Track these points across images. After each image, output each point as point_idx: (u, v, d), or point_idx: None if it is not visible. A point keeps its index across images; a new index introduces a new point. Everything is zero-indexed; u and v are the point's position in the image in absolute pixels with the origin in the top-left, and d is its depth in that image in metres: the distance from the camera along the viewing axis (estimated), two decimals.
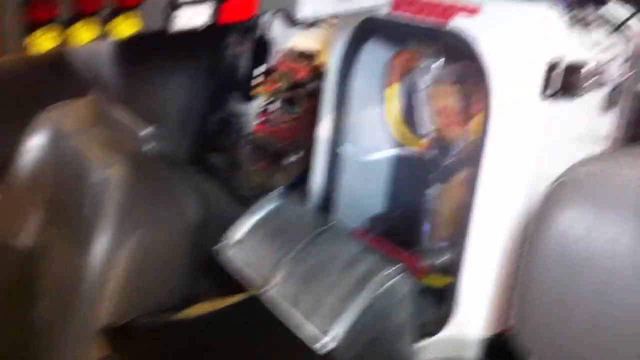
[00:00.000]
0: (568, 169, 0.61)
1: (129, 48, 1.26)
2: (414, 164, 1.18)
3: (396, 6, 1.02)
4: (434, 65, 1.09)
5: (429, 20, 0.96)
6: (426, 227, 1.11)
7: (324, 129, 1.18)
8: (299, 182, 1.50)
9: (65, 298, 1.15)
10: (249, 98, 1.77)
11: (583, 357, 0.59)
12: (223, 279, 1.14)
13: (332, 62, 1.16)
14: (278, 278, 1.01)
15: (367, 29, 1.08)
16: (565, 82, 0.85)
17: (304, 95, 1.53)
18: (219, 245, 1.13)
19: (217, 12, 0.68)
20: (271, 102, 1.61)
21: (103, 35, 0.67)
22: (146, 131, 1.23)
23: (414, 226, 1.14)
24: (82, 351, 1.09)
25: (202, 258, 1.18)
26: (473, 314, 0.92)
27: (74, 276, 1.15)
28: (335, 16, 0.79)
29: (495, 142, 0.88)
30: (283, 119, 1.61)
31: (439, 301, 1.00)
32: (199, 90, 1.33)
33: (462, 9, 0.91)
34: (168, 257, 1.15)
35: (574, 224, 0.56)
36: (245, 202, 1.71)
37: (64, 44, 0.67)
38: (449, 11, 0.93)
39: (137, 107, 1.21)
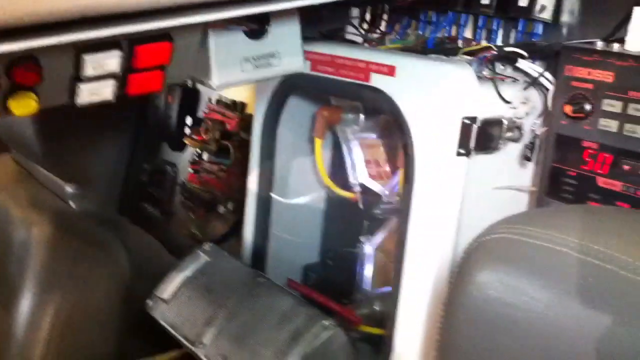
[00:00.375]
0: (486, 229, 0.63)
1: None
2: (345, 213, 1.20)
3: (314, 66, 1.04)
4: (358, 119, 1.12)
5: (349, 77, 0.98)
6: (359, 276, 1.13)
7: (253, 180, 1.19)
8: (234, 231, 1.51)
9: None
10: (180, 148, 1.77)
11: None
12: (155, 337, 1.13)
13: (257, 114, 1.18)
14: (210, 335, 1.01)
15: (289, 85, 1.10)
16: (481, 137, 0.88)
17: (235, 146, 1.53)
18: (149, 302, 1.12)
19: (124, 85, 0.67)
20: (203, 152, 1.61)
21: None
22: (71, 188, 1.21)
23: (348, 276, 1.16)
24: None
25: (133, 315, 1.16)
26: None
27: (3, 336, 1.12)
28: (250, 82, 0.81)
29: (418, 195, 0.91)
30: (215, 169, 1.61)
31: (376, 350, 1.02)
32: (127, 142, 1.32)
33: (379, 70, 0.94)
34: (95, 316, 1.13)
35: (491, 285, 0.58)
36: (180, 253, 1.71)
37: None
38: (367, 70, 0.96)
39: (62, 163, 1.19)
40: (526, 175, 0.96)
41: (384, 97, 0.93)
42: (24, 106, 0.60)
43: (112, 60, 0.61)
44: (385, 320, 1.06)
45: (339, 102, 1.13)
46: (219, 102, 1.63)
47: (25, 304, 1.09)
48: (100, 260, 1.16)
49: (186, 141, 1.67)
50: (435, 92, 0.87)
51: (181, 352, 1.10)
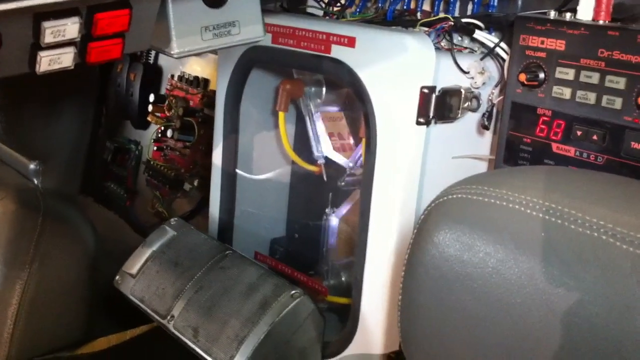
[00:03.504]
0: (443, 191, 0.65)
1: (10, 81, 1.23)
2: (310, 187, 1.22)
3: (275, 39, 1.05)
4: (320, 92, 1.13)
5: (310, 49, 1.00)
6: (325, 248, 1.14)
7: (217, 155, 1.20)
8: (200, 208, 1.52)
9: None
10: (143, 126, 1.77)
11: None
12: (123, 313, 1.14)
13: (219, 89, 1.18)
14: (179, 308, 1.02)
15: (251, 58, 1.11)
16: (440, 106, 0.90)
17: (199, 122, 1.54)
18: (117, 277, 1.12)
19: (84, 53, 0.68)
20: (166, 129, 1.61)
21: None
22: (32, 166, 1.20)
23: (314, 248, 1.18)
24: None
25: (100, 292, 1.17)
26: (373, 333, 0.95)
27: None
28: (213, 51, 0.82)
29: (379, 165, 0.93)
30: (178, 146, 1.61)
31: (342, 320, 1.04)
32: (89, 118, 1.31)
33: (339, 41, 0.95)
34: (63, 293, 1.13)
35: (448, 244, 0.61)
36: (144, 231, 1.71)
37: None
38: (328, 42, 0.97)
39: (23, 140, 1.18)
40: (484, 144, 0.99)
41: (344, 68, 0.95)
42: None
43: (71, 27, 0.61)
44: (351, 289, 1.09)
45: (300, 76, 1.15)
46: (181, 78, 1.63)
47: None
48: (66, 235, 1.16)
49: (149, 118, 1.67)
50: (394, 63, 0.89)
51: (152, 326, 1.11)
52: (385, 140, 0.92)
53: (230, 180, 1.19)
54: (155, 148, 1.68)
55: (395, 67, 0.89)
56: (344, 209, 1.13)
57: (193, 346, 0.97)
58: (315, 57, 0.99)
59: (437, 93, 0.89)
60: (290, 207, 1.27)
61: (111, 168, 1.81)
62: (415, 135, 0.90)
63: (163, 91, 1.70)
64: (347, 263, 1.14)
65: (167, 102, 1.61)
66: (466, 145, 0.97)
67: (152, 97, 1.64)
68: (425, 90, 0.88)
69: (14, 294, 1.08)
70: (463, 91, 0.92)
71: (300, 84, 1.13)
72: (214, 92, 1.55)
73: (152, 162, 1.67)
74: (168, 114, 1.60)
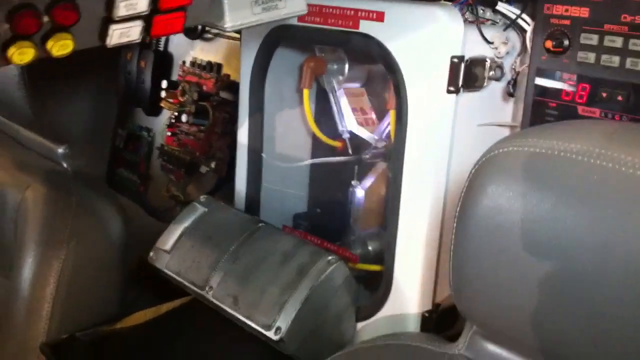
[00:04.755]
0: (492, 146, 0.69)
1: (30, 69, 1.26)
2: (333, 161, 1.26)
3: (301, 17, 1.09)
4: (343, 69, 1.17)
5: (338, 26, 1.03)
6: (350, 220, 1.18)
7: (243, 133, 1.23)
8: (218, 189, 1.55)
9: None
10: (155, 112, 1.80)
11: (513, 317, 0.68)
12: (159, 288, 1.17)
13: (244, 68, 1.21)
14: (217, 279, 1.05)
15: (277, 37, 1.15)
16: (468, 76, 0.95)
17: (214, 106, 1.57)
18: (151, 254, 1.16)
19: (149, 27, 0.72)
20: (179, 115, 1.64)
21: (39, 56, 0.70)
22: (61, 150, 1.23)
23: (337, 220, 1.22)
24: None
25: (134, 269, 1.20)
26: (407, 294, 0.99)
27: (4, 300, 1.14)
28: (259, 24, 0.85)
29: (410, 134, 0.97)
30: (193, 130, 1.64)
31: (372, 286, 1.08)
32: (112, 100, 1.34)
33: (368, 16, 0.99)
34: (98, 269, 1.16)
35: (501, 194, 0.65)
36: (157, 215, 1.74)
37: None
38: (356, 18, 1.01)
39: (52, 124, 1.21)
40: (507, 112, 1.03)
41: (373, 43, 0.98)
42: (62, 47, 0.63)
43: (142, 1, 0.64)
44: (381, 257, 1.13)
45: (323, 54, 1.18)
46: (193, 64, 1.66)
47: (28, 264, 1.12)
48: (99, 215, 1.19)
49: (162, 104, 1.69)
50: (424, 34, 0.93)
51: (188, 299, 1.14)
52: (416, 109, 0.96)
53: (256, 157, 1.22)
54: (169, 134, 1.71)
55: (426, 38, 0.93)
56: (369, 181, 1.17)
57: (234, 313, 1.01)
58: (343, 33, 1.03)
59: (465, 62, 0.93)
60: (312, 183, 1.31)
61: (123, 155, 1.83)
62: (446, 103, 0.94)
63: (174, 77, 1.73)
64: (373, 233, 1.18)
65: (180, 88, 1.64)
66: (491, 113, 1.02)
67: (164, 84, 1.67)
68: (455, 60, 0.92)
69: (52, 272, 1.11)
70: (488, 61, 0.96)
71: (323, 61, 1.16)
72: (227, 76, 1.59)
73: (166, 148, 1.70)
74: (182, 100, 1.63)
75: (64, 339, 1.05)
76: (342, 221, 1.22)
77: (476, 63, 0.95)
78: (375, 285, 1.07)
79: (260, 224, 1.11)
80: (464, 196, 0.68)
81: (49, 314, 1.10)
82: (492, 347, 0.75)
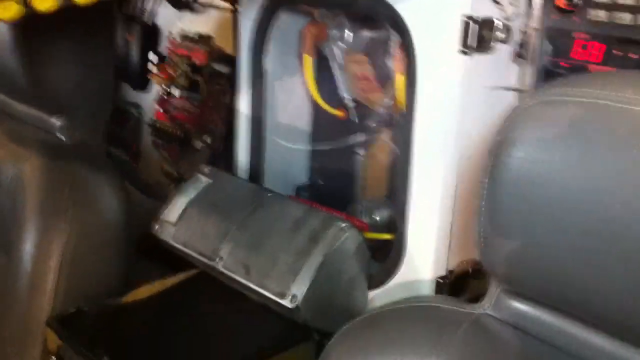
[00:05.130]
0: (521, 98, 0.69)
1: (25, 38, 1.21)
2: (333, 131, 1.25)
3: None
4: (344, 35, 1.16)
5: None
6: (355, 189, 1.18)
7: (244, 101, 1.21)
8: (211, 163, 1.53)
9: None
10: (143, 87, 1.76)
11: (546, 271, 0.68)
12: (165, 260, 1.16)
13: (243, 33, 1.19)
14: (226, 248, 1.04)
15: (278, 1, 1.13)
16: (478, 36, 0.94)
17: (206, 79, 1.55)
18: (156, 225, 1.14)
19: None
20: (170, 89, 1.61)
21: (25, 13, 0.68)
22: (59, 120, 1.20)
23: (343, 190, 1.21)
24: (27, 347, 1.07)
25: (139, 241, 1.18)
26: (420, 260, 0.99)
27: (5, 278, 1.12)
28: None
29: (421, 96, 0.96)
30: (185, 104, 1.62)
31: (377, 255, 1.08)
32: (109, 66, 1.31)
33: None
34: (100, 242, 1.15)
35: (535, 149, 0.64)
36: (150, 193, 1.71)
37: None
38: None
39: (48, 95, 1.17)
40: (514, 76, 1.03)
41: (381, 4, 0.97)
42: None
43: None
44: (388, 225, 1.13)
45: (325, 19, 1.17)
46: (183, 37, 1.63)
47: (29, 238, 1.10)
48: (98, 185, 1.17)
49: (152, 78, 1.66)
50: None
51: (194, 272, 1.13)
52: (426, 71, 0.95)
53: (258, 125, 1.21)
54: (160, 109, 1.68)
55: None
56: (373, 148, 1.16)
57: (246, 282, 1.00)
58: None
59: (476, 22, 0.93)
60: (313, 154, 1.30)
61: (112, 130, 1.80)
62: (457, 65, 0.94)
63: (163, 51, 1.70)
64: (379, 202, 1.17)
65: (169, 61, 1.61)
66: (498, 77, 1.01)
67: (155, 58, 1.64)
68: (466, 19, 0.92)
69: (55, 244, 1.09)
70: (496, 22, 0.96)
71: (324, 27, 1.15)
72: (219, 47, 1.56)
73: (157, 124, 1.67)
74: (172, 73, 1.60)
75: (71, 312, 1.03)
76: (346, 191, 1.21)
77: (486, 23, 0.95)
78: (381, 254, 1.07)
79: (268, 193, 1.10)
80: (495, 149, 0.68)
81: (53, 287, 1.08)
82: (519, 305, 0.75)
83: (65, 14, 1.14)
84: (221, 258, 1.04)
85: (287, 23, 1.19)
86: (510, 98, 1.03)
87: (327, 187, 1.27)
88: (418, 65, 0.95)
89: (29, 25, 1.09)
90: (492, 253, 0.72)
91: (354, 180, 1.20)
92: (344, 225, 0.99)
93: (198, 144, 1.58)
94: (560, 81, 0.69)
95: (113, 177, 1.20)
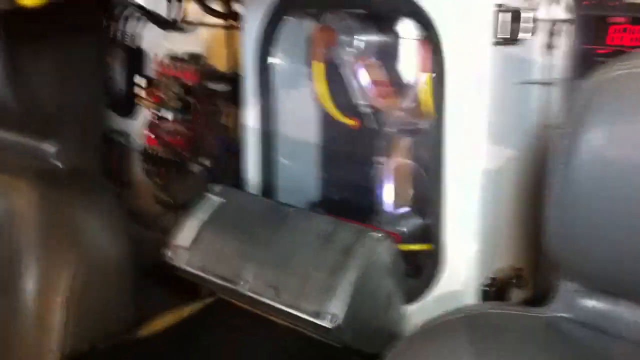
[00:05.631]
0: (595, 73, 0.63)
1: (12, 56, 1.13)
2: (346, 142, 1.19)
3: None
4: (354, 40, 1.11)
5: None
6: (378, 197, 1.11)
7: (251, 115, 1.15)
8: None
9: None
10: (130, 113, 1.68)
11: (624, 267, 0.62)
12: (177, 288, 1.08)
13: (247, 44, 1.13)
14: (251, 270, 0.97)
15: (285, 5, 1.07)
16: (509, 27, 0.89)
17: (200, 99, 1.48)
18: (167, 252, 1.06)
19: None
20: (160, 112, 1.53)
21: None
22: (49, 147, 1.12)
23: (361, 203, 1.15)
24: None
25: (148, 269, 1.10)
26: (462, 269, 0.93)
27: (7, 319, 1.02)
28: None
29: (451, 95, 0.91)
30: (178, 127, 1.54)
31: (417, 265, 1.01)
32: (100, 84, 1.22)
33: None
34: (110, 273, 1.06)
35: (611, 132, 0.59)
36: (142, 223, 1.63)
37: None
38: None
39: (38, 120, 1.09)
40: (539, 68, 0.98)
41: (403, 1, 0.92)
42: None
43: None
44: (416, 236, 1.07)
45: (334, 24, 1.11)
46: (170, 57, 1.56)
47: (32, 274, 1.00)
48: (105, 211, 1.08)
49: (140, 103, 1.59)
50: None
51: (213, 299, 1.05)
52: (456, 66, 0.90)
53: (268, 139, 1.14)
54: (150, 134, 1.60)
55: None
56: (394, 157, 1.10)
57: (276, 304, 0.93)
58: None
59: (508, 12, 0.88)
60: (324, 168, 1.23)
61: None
62: (491, 56, 0.89)
63: (149, 73, 1.62)
64: (404, 212, 1.11)
65: (158, 84, 1.54)
66: (525, 69, 0.96)
67: (143, 81, 1.56)
68: (498, 9, 0.87)
69: (62, 279, 1.00)
70: (525, 12, 0.91)
71: (334, 32, 1.10)
72: (210, 66, 1.50)
73: (148, 150, 1.59)
74: (162, 96, 1.53)
75: (85, 351, 0.94)
76: (365, 203, 1.15)
77: (515, 14, 0.90)
78: (411, 267, 1.01)
79: (289, 208, 1.03)
80: (567, 131, 0.62)
81: (62, 325, 0.99)
82: (593, 304, 0.69)
83: (51, 29, 1.07)
84: (246, 280, 0.96)
85: (293, 30, 1.13)
86: (539, 92, 0.99)
87: (343, 201, 1.20)
88: (447, 61, 0.90)
89: (14, 45, 1.02)
90: (564, 250, 0.66)
91: (373, 191, 1.13)
92: (379, 236, 0.93)
93: (195, 167, 1.50)
94: (628, 54, 0.64)
95: (115, 202, 1.12)
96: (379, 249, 0.92)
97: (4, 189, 1.07)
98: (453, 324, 0.74)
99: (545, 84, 0.98)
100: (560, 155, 0.64)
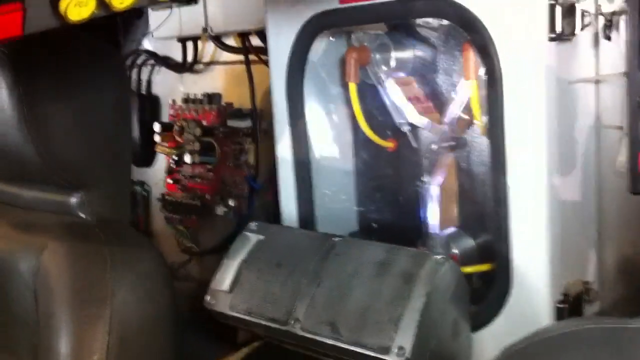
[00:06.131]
0: None
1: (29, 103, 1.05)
2: (384, 164, 1.12)
3: None
4: (388, 57, 1.05)
5: None
6: (423, 220, 1.04)
7: (284, 146, 1.08)
8: (235, 233, 1.38)
9: None
10: (148, 162, 1.63)
11: None
12: (223, 334, 0.99)
13: (275, 70, 1.07)
14: (302, 308, 0.88)
15: (315, 27, 1.01)
16: (564, 21, 0.83)
17: (220, 139, 1.41)
18: (207, 298, 0.98)
19: None
20: (180, 157, 1.47)
21: None
22: (75, 199, 1.04)
23: (406, 226, 1.07)
24: None
25: (189, 316, 1.01)
26: (533, 288, 0.85)
27: None
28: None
29: (510, 99, 0.84)
30: (198, 170, 1.48)
31: (473, 288, 0.93)
32: (121, 136, 1.15)
33: None
34: (150, 328, 0.97)
35: None
36: (174, 273, 1.54)
37: None
38: None
39: (63, 169, 1.01)
40: (591, 64, 0.92)
41: (444, 3, 0.86)
42: None
43: None
44: (470, 258, 0.99)
45: (361, 42, 1.05)
46: (187, 100, 1.51)
47: (64, 335, 0.91)
48: (140, 263, 0.99)
49: (158, 150, 1.53)
50: None
51: (259, 343, 0.96)
52: (512, 68, 0.83)
53: (303, 170, 1.07)
54: (170, 181, 1.53)
55: None
56: (439, 176, 1.03)
57: (335, 342, 0.84)
58: (401, 2, 0.90)
59: (561, 5, 0.82)
60: (363, 194, 1.16)
61: None
62: (549, 53, 0.82)
63: (165, 119, 1.57)
64: (453, 233, 1.03)
65: (176, 128, 1.48)
66: (577, 67, 0.90)
67: (157, 127, 1.50)
68: (552, 2, 0.81)
69: (97, 337, 0.91)
70: (578, 4, 0.85)
71: (367, 50, 1.04)
72: (229, 104, 1.44)
73: (169, 197, 1.52)
74: (180, 140, 1.47)
75: None
76: (409, 228, 1.07)
77: (568, 7, 0.84)
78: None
79: (336, 238, 0.95)
80: None
81: None
82: None
83: (69, 69, 1.00)
84: (297, 320, 0.88)
85: (324, 51, 1.07)
86: (593, 90, 0.92)
87: (384, 228, 1.12)
88: (500, 62, 0.84)
89: (32, 93, 0.96)
90: None
91: (416, 214, 1.05)
92: (439, 257, 0.84)
93: (220, 210, 1.43)
94: None
95: (152, 252, 1.03)
96: (441, 272, 0.83)
97: (34, 251, 0.99)
98: (548, 347, 0.65)
99: (601, 81, 0.91)
100: None
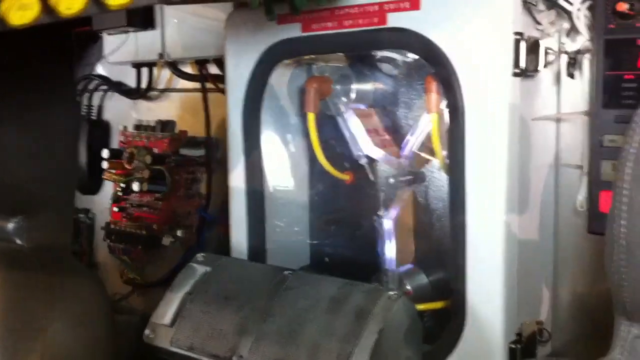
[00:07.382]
0: None
1: None
2: (338, 197, 1.09)
3: (306, 26, 0.94)
4: (349, 89, 1.02)
5: (358, 26, 0.89)
6: (378, 256, 1.00)
7: (238, 175, 1.04)
8: (182, 264, 1.32)
9: None
10: (94, 190, 1.56)
11: None
12: None
13: (231, 99, 1.03)
14: (247, 344, 0.83)
15: (274, 56, 0.98)
16: (528, 57, 0.82)
17: (171, 168, 1.36)
18: (146, 332, 0.92)
19: None
20: (128, 185, 1.41)
21: None
22: (12, 224, 0.98)
23: (363, 259, 1.03)
24: None
25: (128, 352, 0.95)
26: (487, 325, 0.82)
27: None
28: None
29: (472, 135, 0.82)
30: (146, 199, 1.42)
31: (432, 326, 0.90)
32: (65, 161, 1.09)
33: (398, 7, 0.86)
34: (87, 356, 0.90)
35: None
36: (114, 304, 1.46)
37: None
38: (382, 12, 0.87)
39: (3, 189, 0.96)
40: (552, 102, 0.91)
41: (408, 35, 0.84)
42: None
43: None
44: (423, 295, 0.96)
45: (323, 73, 1.03)
46: (138, 127, 1.46)
47: None
48: (74, 294, 0.93)
49: (106, 177, 1.46)
50: (478, 14, 0.80)
51: None
52: (475, 102, 0.81)
53: (256, 200, 1.03)
54: (115, 209, 1.47)
55: (481, 18, 0.80)
56: (396, 210, 1.00)
57: None
58: (366, 33, 0.88)
59: (526, 40, 0.81)
60: (314, 228, 1.12)
61: None
62: (512, 89, 0.81)
63: (116, 146, 1.51)
64: (407, 269, 1.00)
65: (125, 156, 1.42)
66: (538, 104, 0.88)
67: (106, 153, 1.44)
68: (518, 37, 0.80)
69: None
70: (541, 42, 0.84)
71: (328, 80, 1.01)
72: (183, 132, 1.40)
73: (113, 226, 1.46)
74: (129, 168, 1.41)
75: None
76: (363, 264, 1.03)
77: (533, 44, 0.83)
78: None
79: (287, 272, 0.90)
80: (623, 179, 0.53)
81: None
82: None
83: (22, 95, 0.95)
84: (240, 357, 0.83)
85: (283, 82, 1.04)
86: (553, 128, 0.91)
87: (337, 262, 1.09)
88: (464, 97, 0.81)
89: None
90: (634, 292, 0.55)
91: (371, 248, 1.02)
92: (392, 294, 0.81)
93: (166, 240, 1.37)
94: None
95: (91, 281, 0.97)
96: (394, 308, 0.79)
97: None
98: None
99: (562, 119, 0.90)
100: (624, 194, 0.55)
